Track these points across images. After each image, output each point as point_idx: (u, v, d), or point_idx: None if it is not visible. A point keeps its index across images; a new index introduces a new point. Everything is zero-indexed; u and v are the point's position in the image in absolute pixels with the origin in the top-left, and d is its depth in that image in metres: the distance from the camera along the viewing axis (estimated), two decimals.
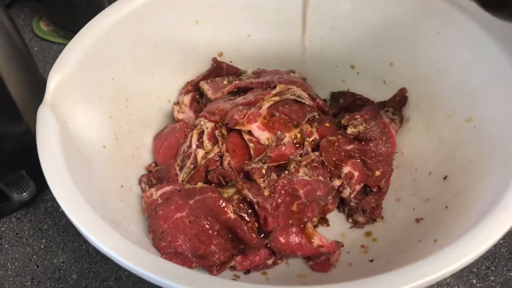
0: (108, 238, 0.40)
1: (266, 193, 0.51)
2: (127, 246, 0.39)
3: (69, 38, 0.57)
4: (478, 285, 0.56)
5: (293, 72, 0.68)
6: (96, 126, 0.55)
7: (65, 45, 0.56)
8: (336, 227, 0.59)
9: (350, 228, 0.59)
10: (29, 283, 0.57)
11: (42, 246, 0.60)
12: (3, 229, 0.62)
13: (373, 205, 0.58)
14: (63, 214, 0.63)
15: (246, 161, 0.55)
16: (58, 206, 0.63)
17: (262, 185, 0.51)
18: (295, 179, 0.52)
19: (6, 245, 0.60)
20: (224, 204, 0.49)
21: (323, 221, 0.59)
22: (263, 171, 0.52)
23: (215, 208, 0.49)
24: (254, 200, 0.50)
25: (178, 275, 0.36)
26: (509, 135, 0.49)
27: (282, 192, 0.51)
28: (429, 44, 0.61)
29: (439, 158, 0.58)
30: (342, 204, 0.59)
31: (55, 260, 0.59)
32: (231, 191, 0.52)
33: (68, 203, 0.42)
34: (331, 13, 0.68)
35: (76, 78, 0.53)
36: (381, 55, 0.67)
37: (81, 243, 0.60)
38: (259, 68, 0.69)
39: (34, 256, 0.59)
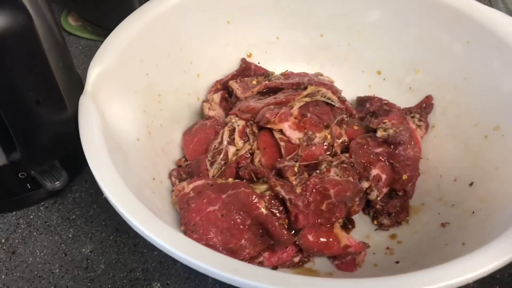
0: (151, 223, 0.41)
1: (298, 190, 0.52)
2: (170, 232, 0.40)
3: (97, 33, 0.58)
4: None
5: (321, 75, 0.69)
6: (131, 118, 0.57)
7: (92, 40, 0.57)
8: (361, 229, 0.60)
9: (375, 230, 0.59)
10: (57, 270, 0.58)
11: (70, 235, 0.61)
12: (31, 217, 0.63)
13: (398, 208, 0.59)
14: (90, 204, 0.64)
15: (278, 159, 0.56)
16: (86, 197, 0.65)
17: (294, 182, 0.52)
18: (326, 178, 0.53)
19: (35, 233, 0.61)
20: (256, 200, 0.50)
21: (349, 222, 0.60)
22: (296, 169, 0.53)
23: (247, 203, 0.50)
24: (287, 197, 0.51)
25: (222, 263, 0.37)
26: None
27: (314, 190, 0.52)
28: (457, 53, 0.63)
29: (465, 165, 0.59)
30: (368, 207, 0.60)
31: (83, 249, 0.60)
32: (263, 187, 0.53)
33: (110, 187, 0.43)
34: (360, 19, 0.69)
35: (114, 71, 0.55)
36: (408, 62, 0.68)
37: (109, 234, 0.61)
38: (287, 70, 0.71)
39: (63, 245, 0.60)
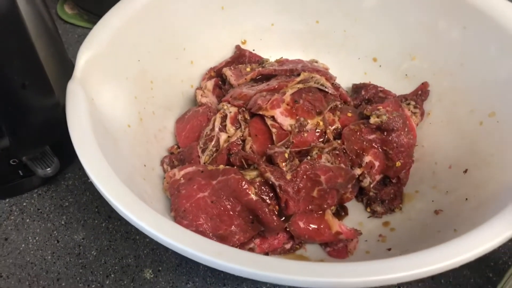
0: (138, 209, 0.40)
1: (288, 176, 0.51)
2: (157, 217, 0.40)
3: (93, 22, 0.57)
4: (494, 278, 0.56)
5: (316, 62, 0.68)
6: (122, 105, 0.56)
7: (89, 29, 0.57)
8: (354, 216, 0.59)
9: (368, 217, 0.59)
10: (49, 257, 0.58)
11: (63, 222, 0.61)
12: (24, 204, 0.63)
13: (392, 195, 0.58)
14: (83, 192, 0.64)
15: (269, 145, 0.55)
16: (79, 184, 0.64)
17: (284, 169, 0.52)
18: (317, 164, 0.52)
19: (28, 220, 0.61)
20: (246, 186, 0.50)
21: (342, 209, 0.59)
22: (286, 155, 0.53)
23: (237, 189, 0.50)
24: (276, 183, 0.50)
25: (206, 247, 0.37)
26: None
27: (304, 177, 0.52)
28: (454, 39, 0.62)
29: (460, 152, 0.58)
30: (361, 194, 0.60)
31: (75, 236, 0.60)
32: (253, 173, 0.52)
33: (98, 174, 0.43)
34: (356, 5, 0.68)
35: (104, 57, 0.54)
36: (404, 49, 0.67)
37: (101, 221, 0.61)
38: (281, 57, 0.70)
39: (55, 232, 0.60)
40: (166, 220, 0.40)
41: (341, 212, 0.59)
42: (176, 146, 0.62)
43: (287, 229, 0.53)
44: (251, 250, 0.53)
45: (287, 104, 0.57)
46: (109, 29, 0.56)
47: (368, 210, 0.59)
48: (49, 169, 0.57)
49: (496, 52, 0.57)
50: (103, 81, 0.54)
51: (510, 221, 0.41)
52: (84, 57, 0.52)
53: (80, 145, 0.44)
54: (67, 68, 0.60)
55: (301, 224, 0.53)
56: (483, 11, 0.58)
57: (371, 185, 0.57)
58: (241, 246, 0.52)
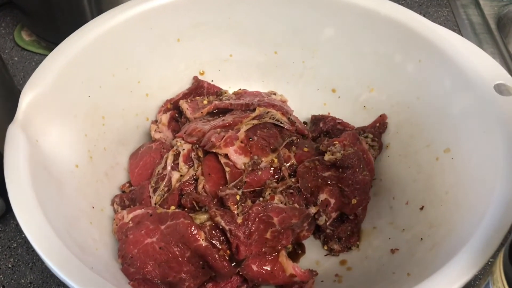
0: (70, 267, 0.38)
1: (239, 220, 0.50)
2: (89, 277, 0.38)
3: (51, 49, 0.56)
4: None
5: (274, 94, 0.68)
6: (69, 144, 0.54)
7: (46, 56, 0.55)
8: (311, 254, 0.58)
9: (325, 255, 0.58)
10: None
11: (10, 265, 0.58)
12: None
13: (349, 232, 0.57)
14: None
15: (221, 187, 0.54)
16: None
17: (235, 211, 0.51)
18: (269, 206, 0.51)
19: None
20: (196, 231, 0.48)
21: (299, 247, 0.58)
22: (237, 197, 0.51)
23: (186, 235, 0.48)
24: (227, 227, 0.49)
25: None
26: (485, 168, 0.48)
27: (256, 219, 0.50)
28: (410, 72, 0.61)
29: (417, 187, 0.58)
30: (318, 231, 0.59)
31: (22, 280, 0.57)
32: (203, 217, 0.51)
33: (32, 229, 0.41)
34: (314, 36, 0.67)
35: (50, 96, 0.52)
36: (362, 80, 0.67)
37: None
38: (240, 89, 0.69)
39: (1, 276, 0.57)
40: (100, 281, 0.38)
41: (298, 250, 0.58)
42: (128, 184, 0.60)
43: (240, 273, 0.52)
44: None
45: (241, 142, 0.56)
46: (56, 66, 0.54)
47: (325, 248, 0.58)
48: None
49: (449, 86, 0.57)
50: (49, 121, 0.52)
51: (460, 271, 0.40)
52: (27, 98, 0.50)
53: (15, 196, 0.42)
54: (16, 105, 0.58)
55: (254, 268, 0.51)
56: (437, 45, 0.58)
57: (327, 223, 0.57)
58: None
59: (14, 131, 0.47)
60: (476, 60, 0.55)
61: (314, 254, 0.58)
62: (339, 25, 0.65)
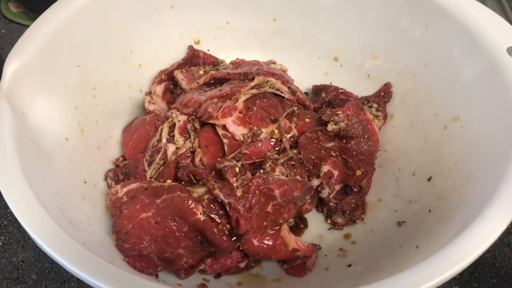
0: (60, 244, 0.36)
1: (239, 193, 0.47)
2: (81, 254, 0.36)
3: None
4: None
5: (274, 63, 0.64)
6: (59, 116, 0.51)
7: None
8: (314, 228, 0.56)
9: (328, 229, 0.56)
10: None
11: (1, 244, 0.56)
12: None
13: (353, 205, 0.55)
14: None
15: (219, 159, 0.51)
16: None
17: (235, 184, 0.48)
18: (270, 178, 0.49)
19: None
20: (193, 205, 0.46)
21: (301, 221, 0.56)
22: (237, 169, 0.49)
23: (183, 209, 0.46)
24: (226, 201, 0.46)
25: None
26: (498, 136, 0.46)
27: (257, 192, 0.48)
28: (416, 38, 0.58)
29: (424, 158, 0.55)
30: (321, 204, 0.56)
31: (14, 259, 0.55)
32: (201, 190, 0.48)
33: (19, 206, 0.38)
34: (315, 2, 0.64)
35: (36, 65, 0.49)
36: (366, 48, 0.64)
37: None
38: (237, 58, 0.66)
39: None
40: (93, 258, 0.36)
41: (300, 224, 0.56)
42: (121, 158, 0.58)
43: (240, 248, 0.49)
44: (202, 271, 0.50)
45: (240, 112, 0.53)
46: (42, 34, 0.51)
47: (329, 221, 0.56)
48: None
49: (459, 52, 0.54)
50: (36, 92, 0.49)
51: (474, 242, 0.38)
52: (12, 67, 0.47)
53: (1, 172, 0.40)
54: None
55: (255, 242, 0.49)
56: (447, 9, 0.54)
57: (331, 196, 0.54)
58: (190, 268, 0.49)
59: None
60: (487, 22, 0.52)
61: (317, 228, 0.56)
62: None
